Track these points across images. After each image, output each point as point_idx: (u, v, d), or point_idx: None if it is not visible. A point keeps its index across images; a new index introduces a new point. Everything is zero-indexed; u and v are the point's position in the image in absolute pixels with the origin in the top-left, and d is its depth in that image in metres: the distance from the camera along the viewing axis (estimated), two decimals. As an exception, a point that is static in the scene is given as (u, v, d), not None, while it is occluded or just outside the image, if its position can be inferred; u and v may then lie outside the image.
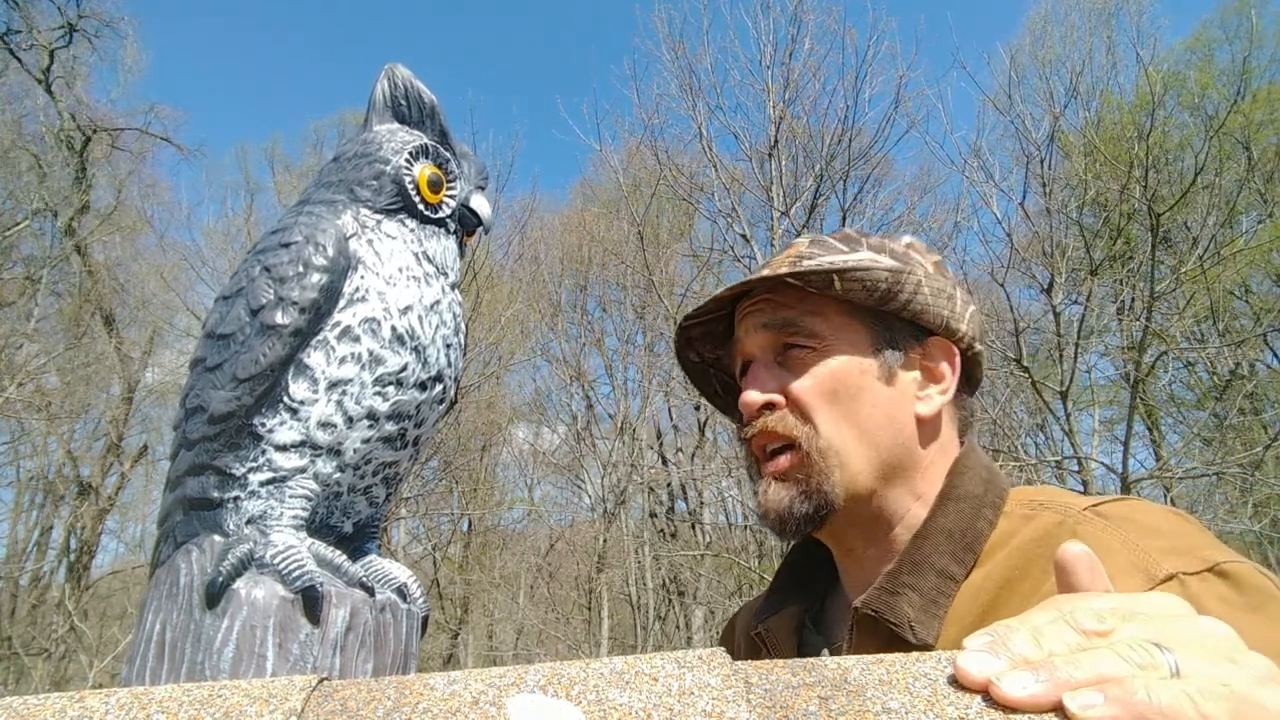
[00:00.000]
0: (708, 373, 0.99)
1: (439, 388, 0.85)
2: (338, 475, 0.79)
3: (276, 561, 0.71)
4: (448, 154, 0.91)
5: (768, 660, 0.46)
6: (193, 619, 0.70)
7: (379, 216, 0.85)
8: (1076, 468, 7.53)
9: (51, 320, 12.41)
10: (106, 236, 13.09)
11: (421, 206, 0.87)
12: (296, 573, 0.71)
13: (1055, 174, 8.09)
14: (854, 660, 0.45)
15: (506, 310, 12.23)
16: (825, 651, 0.83)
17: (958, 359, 0.84)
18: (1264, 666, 0.40)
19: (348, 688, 0.46)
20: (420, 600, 0.83)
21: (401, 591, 0.81)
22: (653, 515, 14.01)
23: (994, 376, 7.61)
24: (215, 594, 0.69)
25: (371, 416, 0.79)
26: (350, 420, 0.78)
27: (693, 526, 14.00)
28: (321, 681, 0.46)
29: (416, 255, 0.85)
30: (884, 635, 0.72)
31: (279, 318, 0.75)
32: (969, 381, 0.88)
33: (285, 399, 0.76)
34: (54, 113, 12.63)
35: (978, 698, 0.40)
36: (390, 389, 0.79)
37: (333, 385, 0.77)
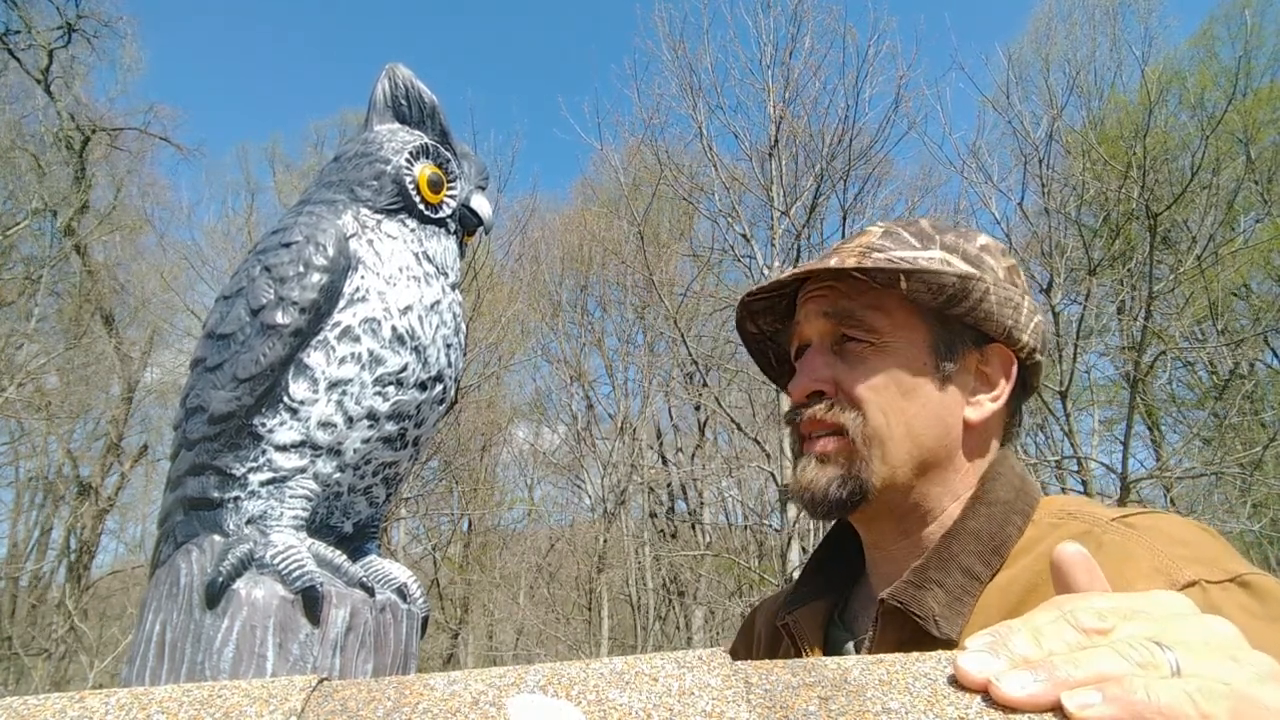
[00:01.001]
0: (765, 345, 1.00)
1: (439, 388, 0.85)
2: (338, 475, 0.79)
3: (276, 561, 0.71)
4: (448, 154, 0.91)
5: (768, 660, 0.46)
6: (193, 619, 0.70)
7: (379, 216, 0.85)
8: (1076, 467, 7.53)
9: (51, 320, 12.41)
10: (106, 236, 13.10)
11: (422, 206, 0.87)
12: (297, 573, 0.71)
13: (1054, 174, 8.10)
14: (854, 660, 0.45)
15: (506, 310, 12.23)
16: (850, 646, 0.84)
17: (1015, 368, 0.84)
18: (1266, 665, 0.40)
19: (348, 688, 0.46)
20: (420, 600, 0.83)
21: (401, 592, 0.81)
22: (653, 515, 14.02)
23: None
24: (215, 594, 0.69)
25: (372, 416, 0.79)
26: (350, 420, 0.78)
27: (693, 526, 14.01)
28: (321, 682, 0.46)
29: (417, 255, 0.85)
30: (909, 629, 0.73)
31: (279, 317, 0.75)
32: (1024, 388, 0.88)
33: (285, 399, 0.76)
34: (53, 113, 12.62)
35: (978, 697, 0.40)
36: (390, 389, 0.79)
37: (333, 385, 0.77)
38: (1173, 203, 7.11)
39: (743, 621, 1.07)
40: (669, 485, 14.26)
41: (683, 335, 8.79)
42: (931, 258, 0.82)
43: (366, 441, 0.79)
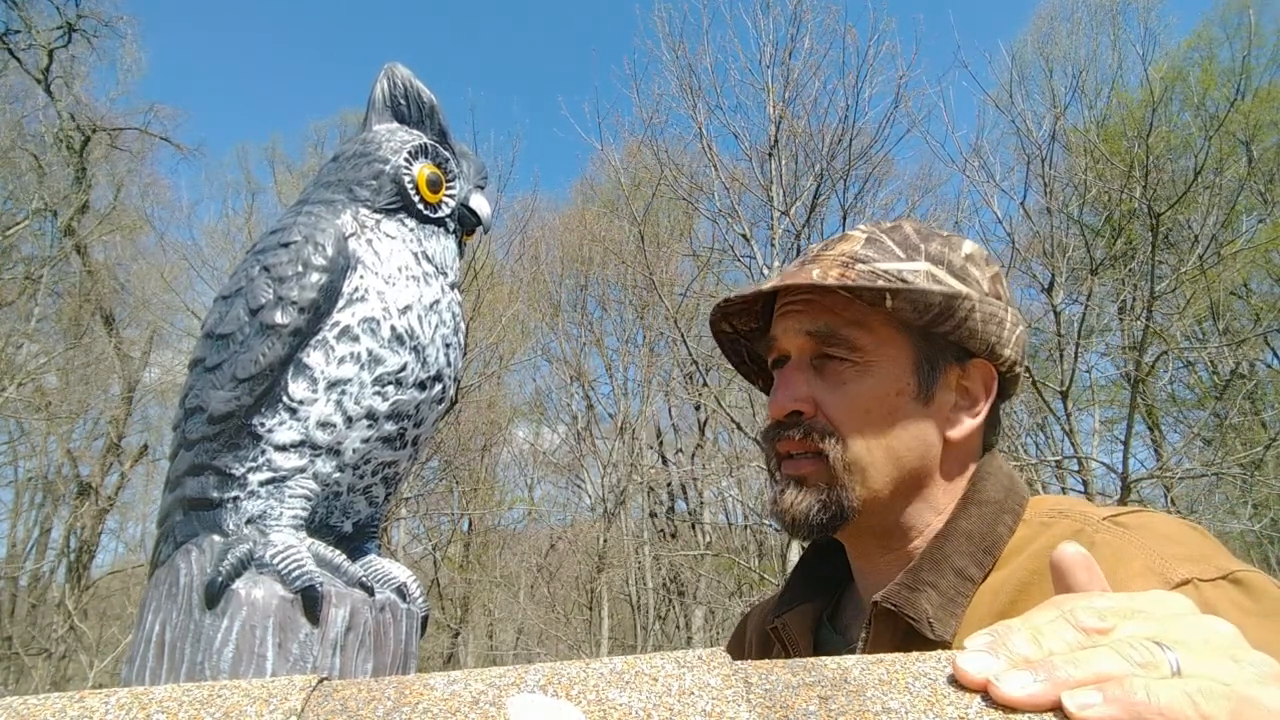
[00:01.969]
0: (739, 343, 0.98)
1: (438, 387, 0.85)
2: (337, 475, 0.79)
3: (276, 561, 0.71)
4: (447, 153, 0.91)
5: (768, 660, 0.46)
6: (192, 619, 0.70)
7: (378, 216, 0.85)
8: (1077, 467, 7.53)
9: (51, 320, 12.41)
10: (106, 236, 13.10)
11: (421, 206, 0.87)
12: (296, 572, 0.71)
13: (1056, 173, 8.09)
14: (854, 660, 0.45)
15: (506, 310, 12.24)
16: (842, 649, 0.84)
17: (996, 383, 0.83)
18: (1267, 666, 0.39)
19: (347, 688, 0.46)
20: (420, 600, 0.83)
21: (401, 591, 0.81)
22: (653, 515, 14.02)
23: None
24: (215, 594, 0.69)
25: (371, 416, 0.79)
26: (349, 420, 0.78)
27: (693, 526, 14.00)
28: (321, 681, 0.46)
29: (416, 255, 0.85)
30: (901, 631, 0.73)
31: (278, 317, 0.75)
32: (1001, 396, 0.87)
33: (285, 399, 0.76)
34: (53, 113, 12.63)
35: (977, 697, 0.40)
36: (390, 389, 0.79)
37: (332, 385, 0.77)
38: (1176, 202, 7.11)
39: (734, 630, 1.07)
40: (669, 485, 14.27)
41: (683, 335, 8.80)
42: (916, 270, 0.80)
43: (366, 441, 0.79)
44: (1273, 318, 9.52)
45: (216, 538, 0.74)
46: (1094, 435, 8.93)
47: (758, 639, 0.96)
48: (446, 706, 0.42)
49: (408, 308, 0.81)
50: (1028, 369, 7.08)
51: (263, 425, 0.75)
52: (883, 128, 8.11)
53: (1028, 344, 0.90)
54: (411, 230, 0.86)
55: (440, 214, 0.89)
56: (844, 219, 8.09)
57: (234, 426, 0.75)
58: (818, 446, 0.80)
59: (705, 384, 10.11)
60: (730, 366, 1.02)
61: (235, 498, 0.75)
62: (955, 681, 0.41)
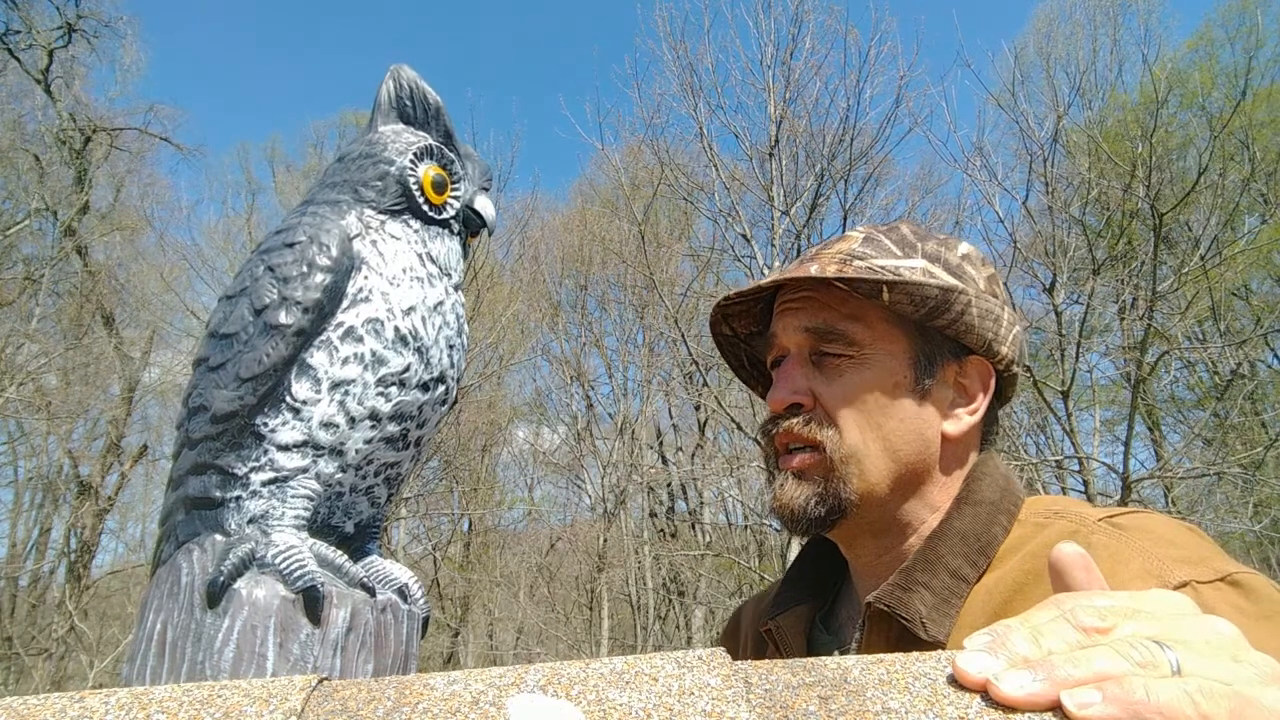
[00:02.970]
0: (738, 346, 0.99)
1: (441, 389, 0.85)
2: (340, 475, 0.79)
3: (278, 561, 0.71)
4: (452, 155, 0.91)
5: (768, 660, 0.46)
6: (193, 618, 0.70)
7: (383, 217, 0.85)
8: (1077, 467, 7.53)
9: (51, 320, 12.41)
10: (106, 236, 13.10)
11: (426, 207, 0.87)
12: (298, 572, 0.71)
13: (1058, 173, 8.09)
14: (854, 660, 0.45)
15: (506, 310, 12.24)
16: (835, 651, 0.84)
17: (993, 381, 0.84)
18: (1267, 666, 0.40)
19: (348, 688, 0.46)
20: (421, 601, 0.83)
21: (402, 592, 0.81)
22: (653, 515, 14.02)
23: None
24: (216, 593, 0.70)
25: (374, 417, 0.79)
26: (353, 420, 0.78)
27: (693, 526, 14.00)
28: (321, 681, 0.46)
29: (420, 256, 0.85)
30: (895, 631, 0.73)
31: (282, 317, 0.75)
32: (1000, 398, 0.87)
33: (288, 399, 0.76)
34: (53, 113, 12.63)
35: (977, 697, 0.40)
36: (393, 389, 0.79)
37: (335, 385, 0.77)
38: (1179, 202, 7.10)
39: (728, 620, 1.07)
40: (669, 485, 14.26)
41: (683, 335, 8.80)
42: (913, 267, 0.81)
43: (369, 442, 0.80)
44: (1273, 318, 9.51)
45: (218, 537, 0.75)
46: (1094, 435, 8.92)
47: (752, 637, 0.96)
48: (446, 706, 0.42)
49: (412, 309, 0.81)
50: (1028, 369, 7.08)
51: (266, 425, 0.76)
52: (884, 128, 8.12)
53: (1026, 345, 0.90)
54: (416, 232, 0.86)
55: (445, 215, 0.89)
56: (845, 219, 8.09)
57: (237, 426, 0.76)
58: (815, 437, 0.80)
59: (705, 384, 10.11)
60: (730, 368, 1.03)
61: (238, 497, 0.75)
62: (955, 681, 0.41)
